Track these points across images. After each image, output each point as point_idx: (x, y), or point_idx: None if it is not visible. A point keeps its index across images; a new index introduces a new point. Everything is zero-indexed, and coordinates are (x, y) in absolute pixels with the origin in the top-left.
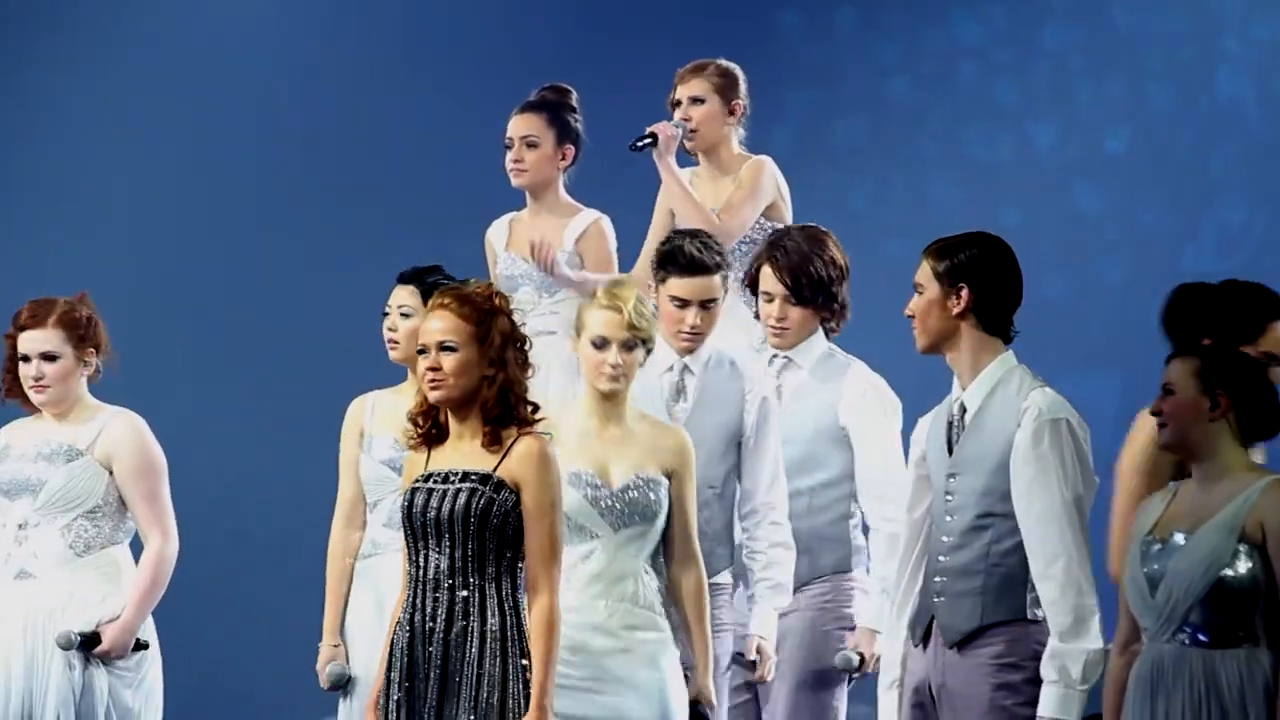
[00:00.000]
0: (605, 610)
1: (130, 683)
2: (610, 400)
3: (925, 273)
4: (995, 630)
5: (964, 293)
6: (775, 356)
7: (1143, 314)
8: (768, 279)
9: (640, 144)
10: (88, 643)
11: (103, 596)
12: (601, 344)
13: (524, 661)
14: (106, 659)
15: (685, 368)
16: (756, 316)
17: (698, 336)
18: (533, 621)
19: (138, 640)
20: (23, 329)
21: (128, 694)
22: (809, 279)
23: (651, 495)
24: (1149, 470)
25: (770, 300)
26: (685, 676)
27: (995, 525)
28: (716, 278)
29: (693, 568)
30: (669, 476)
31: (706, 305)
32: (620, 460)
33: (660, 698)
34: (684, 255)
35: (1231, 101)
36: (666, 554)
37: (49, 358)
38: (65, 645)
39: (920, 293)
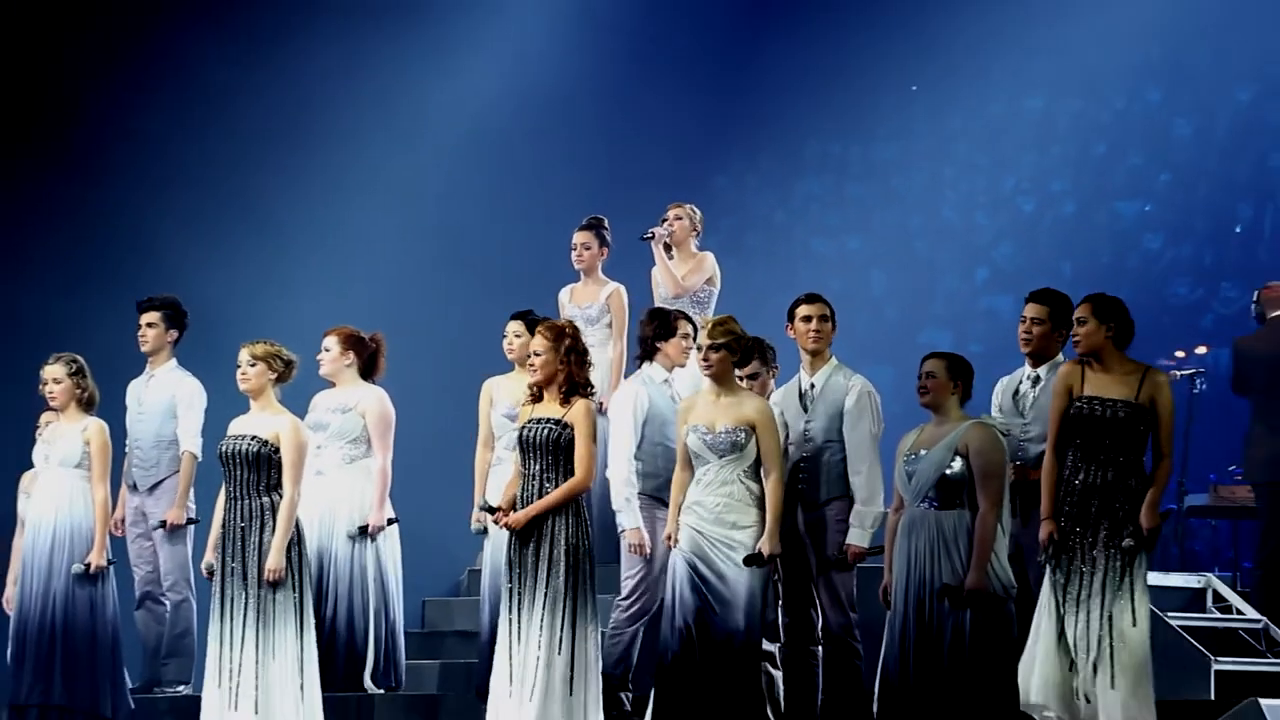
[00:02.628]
0: (715, 502)
1: (381, 544)
2: (715, 381)
3: (827, 313)
4: (833, 501)
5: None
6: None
7: (905, 337)
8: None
9: (646, 237)
10: (363, 531)
11: (362, 491)
12: (701, 349)
13: (574, 519)
14: (375, 536)
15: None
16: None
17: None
18: (568, 484)
19: (389, 519)
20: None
21: (386, 551)
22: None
23: (739, 437)
24: (1062, 392)
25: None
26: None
27: (831, 447)
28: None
29: (773, 474)
30: (752, 426)
31: (755, 376)
32: (721, 417)
33: (742, 549)
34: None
35: (960, 230)
36: (763, 471)
37: (327, 350)
38: (353, 535)
39: (828, 321)
